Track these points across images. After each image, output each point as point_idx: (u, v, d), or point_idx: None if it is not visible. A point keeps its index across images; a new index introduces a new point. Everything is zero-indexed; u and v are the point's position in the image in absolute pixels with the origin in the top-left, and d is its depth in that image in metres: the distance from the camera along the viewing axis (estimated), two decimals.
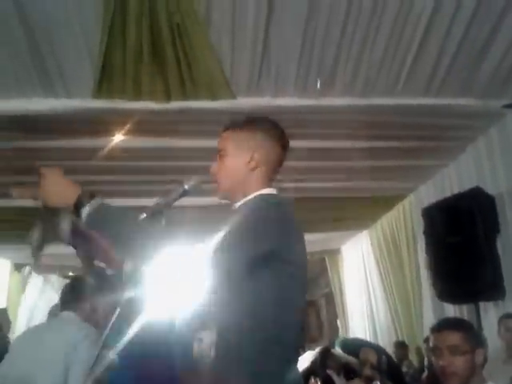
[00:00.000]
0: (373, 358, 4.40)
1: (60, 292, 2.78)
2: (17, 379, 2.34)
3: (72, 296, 2.64)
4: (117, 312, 1.42)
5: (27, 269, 7.69)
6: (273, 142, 1.54)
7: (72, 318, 2.57)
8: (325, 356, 4.77)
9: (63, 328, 2.52)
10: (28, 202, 1.42)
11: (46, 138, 3.60)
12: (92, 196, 1.34)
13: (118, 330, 1.44)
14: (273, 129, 1.57)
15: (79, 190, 1.34)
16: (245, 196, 1.49)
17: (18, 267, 7.54)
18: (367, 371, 2.61)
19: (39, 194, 1.37)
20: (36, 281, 8.17)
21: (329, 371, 4.25)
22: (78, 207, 1.31)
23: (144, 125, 3.38)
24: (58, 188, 1.36)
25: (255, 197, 1.48)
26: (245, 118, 1.58)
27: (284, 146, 1.57)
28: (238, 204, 1.50)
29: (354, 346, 5.73)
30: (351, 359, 4.49)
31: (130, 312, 1.47)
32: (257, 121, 1.58)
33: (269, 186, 1.53)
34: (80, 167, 4.04)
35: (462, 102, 3.40)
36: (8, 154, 3.79)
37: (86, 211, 1.30)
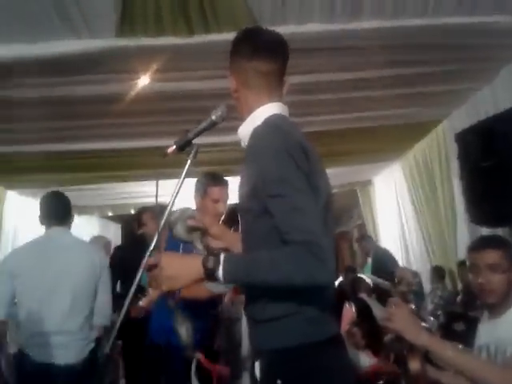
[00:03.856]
0: (409, 277, 4.40)
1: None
2: None
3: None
4: None
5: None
6: (244, 60, 1.50)
7: None
8: (354, 281, 4.87)
9: None
10: None
11: (70, 83, 3.59)
12: (214, 254, 1.28)
13: None
14: (241, 45, 1.53)
15: (199, 260, 1.27)
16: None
17: None
18: (403, 287, 2.61)
19: (165, 285, 1.32)
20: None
21: (361, 295, 4.34)
22: (209, 275, 1.27)
23: (168, 64, 3.34)
24: (179, 270, 1.31)
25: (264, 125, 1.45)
26: None
27: (260, 56, 1.50)
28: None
29: (387, 269, 5.79)
30: (381, 281, 4.53)
31: None
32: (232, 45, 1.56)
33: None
34: (105, 111, 4.06)
35: (495, 19, 3.22)
36: (36, 101, 3.81)
37: (220, 275, 1.25)
